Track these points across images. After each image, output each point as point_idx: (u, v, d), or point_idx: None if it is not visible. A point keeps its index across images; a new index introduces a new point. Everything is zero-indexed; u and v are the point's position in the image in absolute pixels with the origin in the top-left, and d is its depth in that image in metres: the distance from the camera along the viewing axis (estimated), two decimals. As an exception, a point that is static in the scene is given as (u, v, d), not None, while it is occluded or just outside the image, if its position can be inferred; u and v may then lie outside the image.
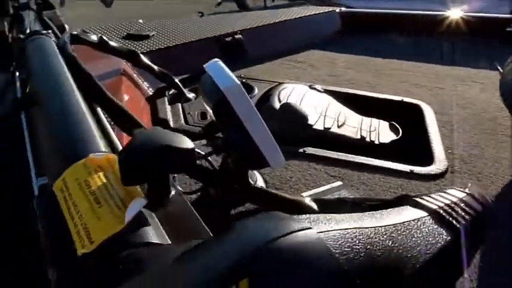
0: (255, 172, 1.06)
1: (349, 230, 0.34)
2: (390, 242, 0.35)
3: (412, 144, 1.31)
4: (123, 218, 0.40)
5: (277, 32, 1.93)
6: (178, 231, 0.43)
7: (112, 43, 1.11)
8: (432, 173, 1.11)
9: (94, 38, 1.02)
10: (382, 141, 1.24)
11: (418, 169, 1.12)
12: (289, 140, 1.22)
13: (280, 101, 1.29)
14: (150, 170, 0.42)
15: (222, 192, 0.98)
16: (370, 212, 0.41)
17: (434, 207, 0.43)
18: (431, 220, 0.41)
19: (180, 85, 1.39)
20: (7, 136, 0.96)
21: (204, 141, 0.98)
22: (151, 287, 0.32)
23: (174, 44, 1.64)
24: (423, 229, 0.40)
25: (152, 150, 0.43)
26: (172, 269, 0.33)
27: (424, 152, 1.23)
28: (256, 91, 1.50)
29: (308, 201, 0.93)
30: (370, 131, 1.27)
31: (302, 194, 0.99)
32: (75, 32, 0.98)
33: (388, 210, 0.42)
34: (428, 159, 1.18)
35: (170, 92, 1.14)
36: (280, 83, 1.49)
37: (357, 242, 0.32)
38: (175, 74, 1.54)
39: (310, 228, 0.31)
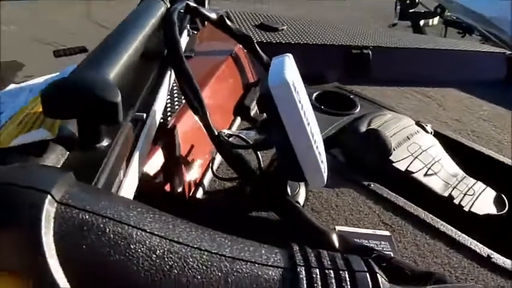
0: (301, 184, 0.97)
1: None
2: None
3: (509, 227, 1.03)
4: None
5: (415, 58, 1.73)
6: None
7: (229, 23, 1.15)
8: (509, 267, 0.85)
9: (213, 14, 1.06)
10: (474, 210, 1.01)
11: (499, 258, 0.88)
12: (361, 169, 1.09)
13: (369, 125, 1.15)
14: (69, 104, 0.41)
15: (254, 194, 0.93)
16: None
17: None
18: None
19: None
20: None
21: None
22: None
23: (299, 42, 1.61)
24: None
25: (73, 86, 0.42)
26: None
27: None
28: (358, 109, 1.38)
29: (334, 236, 0.82)
30: (465, 194, 1.04)
31: (335, 227, 0.87)
32: (192, 4, 1.03)
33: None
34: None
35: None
36: (385, 109, 1.34)
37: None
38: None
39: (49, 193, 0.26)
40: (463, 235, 0.92)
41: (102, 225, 0.28)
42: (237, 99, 1.22)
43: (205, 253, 0.31)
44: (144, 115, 0.74)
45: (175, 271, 0.28)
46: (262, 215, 0.90)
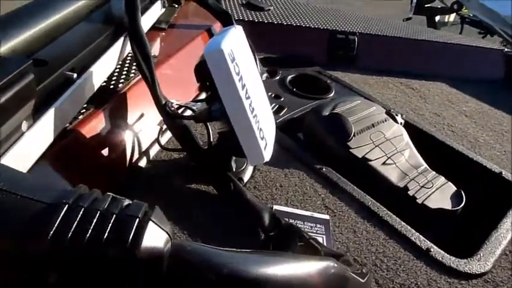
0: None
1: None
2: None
3: (468, 225, 1.00)
4: None
5: (405, 48, 1.67)
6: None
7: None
8: (452, 265, 0.83)
9: None
10: (427, 203, 0.97)
11: (439, 252, 0.85)
12: (317, 152, 1.06)
13: (333, 110, 1.12)
14: None
15: (196, 167, 0.92)
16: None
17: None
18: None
19: (257, 60, 1.35)
20: None
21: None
22: None
23: (283, 23, 1.58)
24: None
25: None
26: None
27: (475, 241, 0.92)
28: (331, 94, 1.35)
29: (266, 214, 0.81)
30: (422, 186, 1.01)
31: (273, 206, 0.86)
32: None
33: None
34: (471, 251, 0.89)
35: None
36: (358, 96, 1.30)
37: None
38: (267, 50, 1.50)
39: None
40: (407, 226, 0.89)
41: None
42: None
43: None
44: (75, 75, 0.73)
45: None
46: (202, 188, 0.89)
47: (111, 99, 0.89)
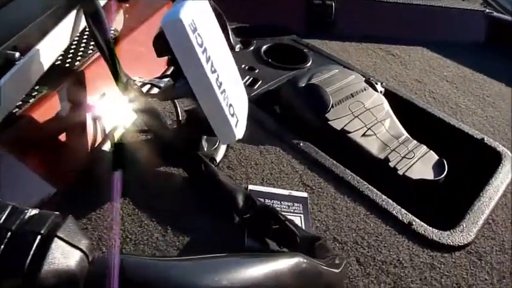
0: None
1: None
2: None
3: (450, 195, 0.97)
4: None
5: (384, 13, 1.61)
6: None
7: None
8: (435, 238, 0.80)
9: None
10: (409, 174, 0.94)
11: (421, 225, 0.82)
12: (295, 126, 1.01)
13: (310, 80, 1.07)
14: None
15: (164, 148, 0.86)
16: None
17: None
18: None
19: (230, 30, 1.27)
20: None
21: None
22: None
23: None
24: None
25: None
26: None
27: (458, 212, 0.90)
28: (309, 64, 1.29)
29: (240, 195, 0.76)
30: (403, 157, 0.98)
31: (248, 187, 0.81)
32: None
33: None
34: (454, 222, 0.86)
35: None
36: (336, 65, 1.24)
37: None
38: (240, 20, 1.42)
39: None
40: (388, 200, 0.86)
41: None
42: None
43: None
44: (17, 54, 0.66)
45: None
46: (171, 170, 0.83)
47: (66, 79, 0.82)
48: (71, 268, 0.27)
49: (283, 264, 0.37)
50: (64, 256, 0.26)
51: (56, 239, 0.26)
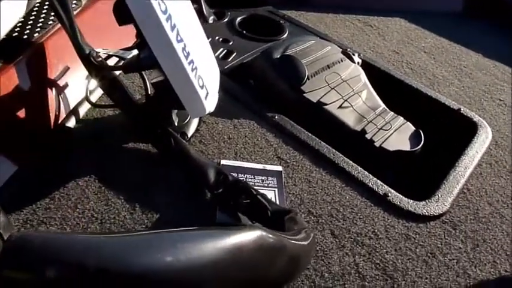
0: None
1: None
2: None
3: (427, 166, 0.97)
4: None
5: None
6: None
7: None
8: (410, 209, 0.79)
9: None
10: (386, 146, 0.93)
11: (396, 196, 0.81)
12: (270, 99, 0.99)
13: (285, 52, 1.03)
14: None
15: (132, 123, 0.82)
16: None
17: None
18: None
19: (204, 3, 1.21)
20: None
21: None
22: None
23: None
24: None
25: None
26: None
27: (433, 182, 0.89)
28: (285, 35, 1.25)
29: (211, 170, 0.73)
30: (380, 129, 0.96)
31: (220, 161, 0.78)
32: None
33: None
34: (429, 192, 0.86)
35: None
36: (313, 36, 1.21)
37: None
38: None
39: None
40: (364, 172, 0.85)
41: None
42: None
43: None
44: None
45: None
46: (140, 146, 0.80)
47: (25, 52, 0.77)
48: None
49: (241, 238, 0.35)
50: None
51: None
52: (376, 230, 0.74)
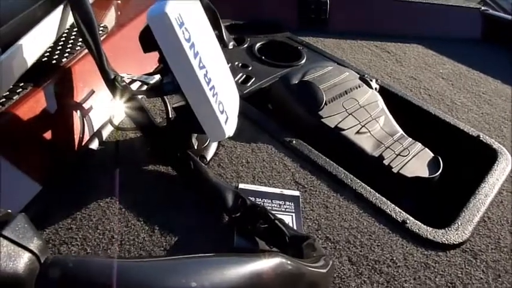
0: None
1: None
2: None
3: (445, 193, 0.96)
4: None
5: (380, 9, 1.59)
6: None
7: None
8: (429, 236, 0.78)
9: None
10: (404, 172, 0.92)
11: (415, 224, 0.80)
12: (288, 124, 1.00)
13: (303, 77, 1.05)
14: None
15: (154, 146, 0.84)
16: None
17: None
18: None
19: (223, 27, 1.25)
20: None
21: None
22: None
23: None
24: None
25: None
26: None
27: (452, 209, 0.88)
28: (303, 61, 1.27)
29: (229, 194, 0.74)
30: (398, 154, 0.96)
31: (238, 185, 0.79)
32: None
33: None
34: (449, 220, 0.84)
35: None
36: (330, 62, 1.23)
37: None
38: (233, 17, 1.40)
39: None
40: (382, 198, 0.84)
41: None
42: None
43: None
44: (-1, 50, 0.64)
45: None
46: (160, 169, 0.82)
47: (53, 76, 0.80)
48: (16, 271, 0.25)
49: (262, 265, 0.35)
50: (10, 258, 0.24)
51: (1, 239, 0.24)
52: (394, 258, 0.74)
